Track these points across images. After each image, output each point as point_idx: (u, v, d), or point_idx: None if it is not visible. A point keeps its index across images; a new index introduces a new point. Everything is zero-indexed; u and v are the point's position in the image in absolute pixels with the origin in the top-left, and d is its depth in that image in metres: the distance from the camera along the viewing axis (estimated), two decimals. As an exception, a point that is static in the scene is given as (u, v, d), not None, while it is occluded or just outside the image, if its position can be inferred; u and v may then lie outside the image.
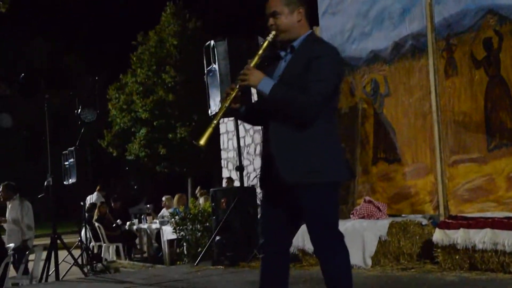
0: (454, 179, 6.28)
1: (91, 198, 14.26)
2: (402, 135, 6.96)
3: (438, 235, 5.77)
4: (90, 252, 11.23)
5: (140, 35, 25.72)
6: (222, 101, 3.54)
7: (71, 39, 35.96)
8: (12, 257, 8.38)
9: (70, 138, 12.41)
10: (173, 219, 9.71)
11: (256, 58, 3.52)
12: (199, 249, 8.44)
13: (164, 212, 12.94)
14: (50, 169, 8.71)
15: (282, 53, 3.59)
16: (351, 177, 3.71)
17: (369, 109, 7.38)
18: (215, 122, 3.46)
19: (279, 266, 3.59)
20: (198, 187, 15.88)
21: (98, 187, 15.05)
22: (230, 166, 14.73)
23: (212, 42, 7.77)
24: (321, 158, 3.39)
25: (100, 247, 12.94)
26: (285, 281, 3.60)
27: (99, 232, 12.69)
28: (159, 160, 25.13)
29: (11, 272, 8.43)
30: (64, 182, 11.73)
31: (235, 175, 12.72)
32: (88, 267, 10.47)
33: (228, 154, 14.97)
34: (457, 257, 5.61)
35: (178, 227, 9.36)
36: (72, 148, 11.41)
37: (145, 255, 13.33)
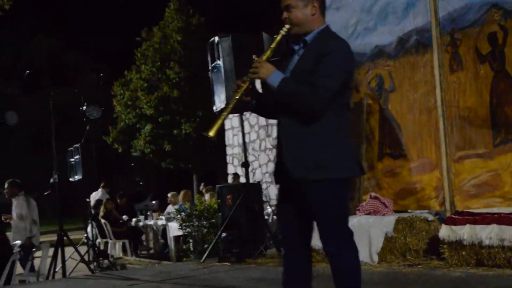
0: (460, 175, 6.27)
1: (95, 195, 14.29)
2: (407, 130, 6.95)
3: (445, 231, 5.75)
4: (96, 249, 11.25)
5: (144, 31, 25.69)
6: (233, 93, 3.50)
7: (75, 36, 35.91)
8: (18, 254, 8.41)
9: (75, 135, 12.41)
10: (179, 216, 9.72)
11: (268, 52, 3.49)
12: (205, 246, 8.44)
13: (170, 208, 12.96)
14: (56, 166, 8.71)
15: (296, 47, 3.56)
16: (360, 174, 3.62)
17: (374, 105, 7.37)
18: (225, 114, 3.45)
19: (299, 263, 3.53)
20: (202, 184, 15.88)
21: (102, 184, 15.08)
22: (236, 162, 14.75)
23: (217, 38, 7.70)
24: (329, 154, 3.36)
25: (106, 243, 12.94)
26: (307, 277, 3.54)
27: (105, 229, 12.70)
28: (164, 156, 25.13)
29: (18, 269, 8.47)
30: (70, 179, 11.75)
31: (240, 171, 12.73)
32: (95, 263, 10.50)
33: (233, 150, 14.98)
34: (463, 253, 5.60)
35: (184, 224, 9.37)
36: (78, 145, 11.42)
37: (151, 251, 13.37)
